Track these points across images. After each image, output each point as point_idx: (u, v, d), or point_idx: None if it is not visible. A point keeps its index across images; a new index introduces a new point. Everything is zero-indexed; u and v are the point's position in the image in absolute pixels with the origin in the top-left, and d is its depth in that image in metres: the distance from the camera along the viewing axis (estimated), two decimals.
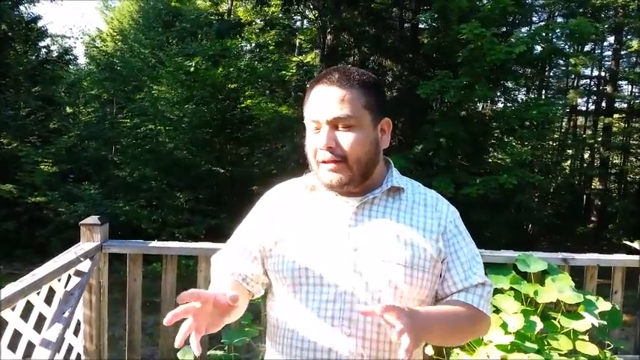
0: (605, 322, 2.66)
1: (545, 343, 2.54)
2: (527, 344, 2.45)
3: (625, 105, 16.03)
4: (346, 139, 1.11)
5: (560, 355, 2.46)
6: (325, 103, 1.12)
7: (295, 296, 1.14)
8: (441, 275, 1.19)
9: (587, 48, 16.01)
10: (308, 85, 1.21)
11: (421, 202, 1.21)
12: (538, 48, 10.98)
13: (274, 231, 1.20)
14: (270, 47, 13.44)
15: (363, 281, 1.10)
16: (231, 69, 9.98)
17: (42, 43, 12.11)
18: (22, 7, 11.14)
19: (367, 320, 1.09)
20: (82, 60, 16.73)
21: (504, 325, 2.50)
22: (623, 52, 14.90)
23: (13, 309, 1.88)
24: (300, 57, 13.57)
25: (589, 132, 17.30)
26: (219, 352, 2.55)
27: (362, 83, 1.15)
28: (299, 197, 1.23)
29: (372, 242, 1.13)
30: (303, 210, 1.20)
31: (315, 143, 1.14)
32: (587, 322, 2.57)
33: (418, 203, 1.20)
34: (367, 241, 1.13)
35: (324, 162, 1.13)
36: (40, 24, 11.75)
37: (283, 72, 11.73)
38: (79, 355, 2.47)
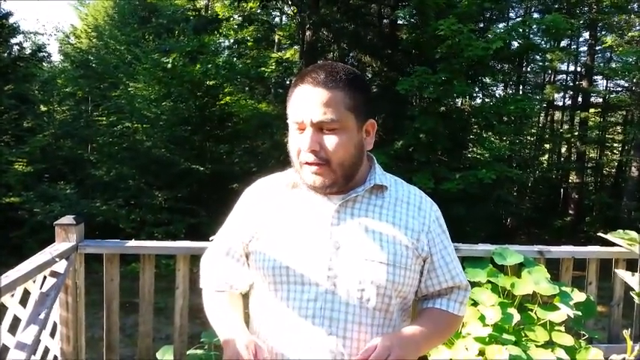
0: (580, 313, 2.72)
1: (523, 335, 2.58)
2: (505, 336, 2.49)
3: (600, 99, 16.34)
4: (330, 142, 1.10)
5: (536, 346, 2.51)
6: (310, 104, 1.10)
7: (276, 294, 1.13)
8: (421, 273, 1.20)
9: (563, 43, 16.26)
10: (292, 82, 1.19)
11: (404, 200, 1.21)
12: (515, 44, 11.13)
13: (256, 228, 1.20)
14: (249, 43, 13.36)
15: (345, 280, 1.10)
16: (210, 65, 9.87)
17: (14, 40, 11.81)
18: None
19: (348, 320, 1.09)
20: (56, 57, 16.42)
21: (482, 318, 2.53)
22: (597, 48, 15.17)
23: None
24: (279, 53, 13.52)
25: (566, 126, 17.60)
26: (199, 351, 2.53)
27: (349, 83, 1.13)
28: (281, 194, 1.22)
29: (354, 241, 1.12)
30: (285, 207, 1.19)
31: (298, 144, 1.13)
32: (563, 313, 2.62)
33: (401, 201, 1.20)
34: (349, 240, 1.12)
35: (307, 164, 1.12)
36: (11, 20, 11.47)
37: (262, 68, 11.67)
38: (55, 357, 2.43)
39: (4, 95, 10.16)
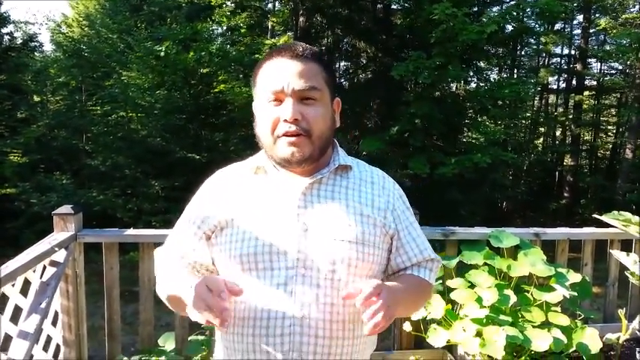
0: (576, 294, 2.75)
1: (519, 316, 2.62)
2: (502, 317, 2.52)
3: (595, 82, 16.34)
4: (311, 112, 1.10)
5: (533, 326, 2.54)
6: (290, 74, 1.10)
7: (245, 282, 1.08)
8: (390, 251, 1.21)
9: (557, 26, 16.21)
10: (263, 58, 1.18)
11: (368, 180, 1.22)
12: (509, 27, 11.09)
13: (219, 217, 1.16)
14: (242, 30, 13.23)
15: (315, 261, 1.09)
16: (203, 53, 9.77)
17: (4, 30, 11.67)
18: None
19: (320, 301, 1.08)
20: (48, 47, 16.26)
21: (479, 300, 2.56)
22: (591, 31, 15.12)
23: None
24: (273, 40, 13.40)
25: (560, 110, 17.61)
26: (201, 337, 2.56)
27: (322, 58, 1.16)
28: (244, 181, 1.20)
29: (322, 222, 1.11)
30: (249, 193, 1.17)
31: (277, 114, 1.10)
32: (559, 294, 2.66)
33: (365, 181, 1.21)
34: (317, 221, 1.11)
35: (286, 135, 1.10)
36: (1, 9, 11.34)
37: (256, 55, 11.57)
38: (58, 345, 2.45)
39: None
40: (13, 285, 2.05)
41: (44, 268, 2.30)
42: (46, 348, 2.30)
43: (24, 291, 2.14)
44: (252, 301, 1.09)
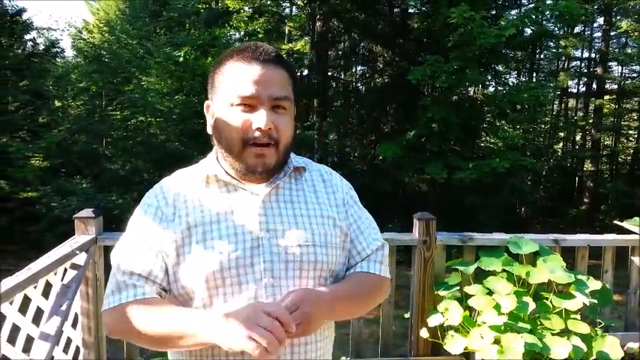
0: (596, 301, 2.71)
1: (538, 323, 2.58)
2: (520, 324, 2.49)
3: (615, 86, 16.11)
4: (282, 122, 1.06)
5: (552, 334, 2.51)
6: (263, 81, 1.04)
7: (212, 300, 1.03)
8: (343, 248, 1.18)
9: (577, 29, 16.05)
10: (223, 57, 1.10)
11: (319, 179, 1.20)
12: (528, 30, 11.01)
13: (173, 234, 1.05)
14: (260, 35, 13.36)
15: (283, 269, 1.05)
16: None
17: (28, 36, 11.97)
18: (5, 0, 11.00)
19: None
20: (69, 52, 16.55)
21: (497, 307, 2.53)
22: (612, 33, 14.93)
23: (11, 303, 1.89)
24: (289, 45, 13.50)
25: (580, 114, 17.37)
26: None
27: (289, 65, 1.11)
28: (195, 192, 1.10)
29: (285, 228, 1.08)
30: (204, 205, 1.08)
31: (245, 122, 1.04)
32: (579, 301, 2.62)
33: (318, 180, 1.20)
34: (281, 228, 1.08)
35: (255, 144, 1.05)
36: (24, 16, 11.60)
37: None
38: (77, 347, 2.48)
39: (19, 91, 10.30)
40: (35, 287, 2.08)
41: (65, 270, 2.33)
42: (66, 350, 2.33)
43: (45, 293, 2.17)
44: None
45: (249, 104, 1.04)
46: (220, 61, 1.11)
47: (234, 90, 1.05)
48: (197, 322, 0.96)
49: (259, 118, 1.03)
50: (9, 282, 1.88)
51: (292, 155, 1.18)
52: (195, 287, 1.03)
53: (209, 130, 1.14)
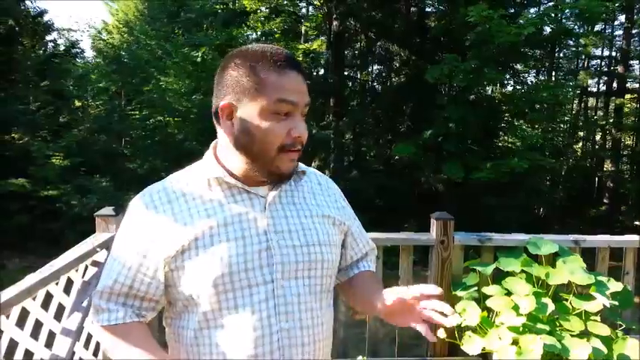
0: (617, 303, 2.67)
1: (557, 325, 2.56)
2: (539, 326, 2.47)
3: (637, 85, 15.81)
4: (306, 129, 1.09)
5: (571, 335, 2.48)
6: (301, 88, 1.06)
7: (221, 305, 1.03)
8: (342, 246, 1.25)
9: (597, 28, 15.77)
10: (268, 63, 1.04)
11: (316, 182, 1.24)
12: (547, 29, 10.85)
13: (178, 239, 1.04)
14: (276, 35, 13.39)
15: (292, 270, 1.08)
16: None
17: (49, 37, 12.19)
18: (27, 2, 11.20)
19: (302, 309, 1.08)
20: (89, 53, 16.80)
21: (516, 307, 2.51)
22: (634, 31, 14.65)
23: (34, 299, 1.93)
24: (306, 44, 13.51)
25: (600, 113, 17.11)
26: None
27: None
28: (198, 195, 1.09)
29: (291, 229, 1.11)
30: (209, 208, 1.07)
31: (287, 129, 1.04)
32: (599, 303, 2.58)
33: (314, 183, 1.24)
34: (287, 229, 1.10)
35: (291, 151, 1.07)
36: (45, 18, 11.80)
37: None
38: (98, 343, 2.52)
39: (40, 91, 10.48)
40: (56, 283, 2.12)
41: (86, 267, 2.37)
42: (86, 346, 2.36)
43: (67, 290, 2.21)
44: (233, 323, 1.04)
45: (288, 111, 1.05)
46: (245, 63, 1.06)
47: (275, 96, 1.03)
48: None
49: (299, 127, 1.06)
50: (32, 278, 1.92)
51: None
52: (201, 292, 1.03)
53: (226, 132, 1.11)
